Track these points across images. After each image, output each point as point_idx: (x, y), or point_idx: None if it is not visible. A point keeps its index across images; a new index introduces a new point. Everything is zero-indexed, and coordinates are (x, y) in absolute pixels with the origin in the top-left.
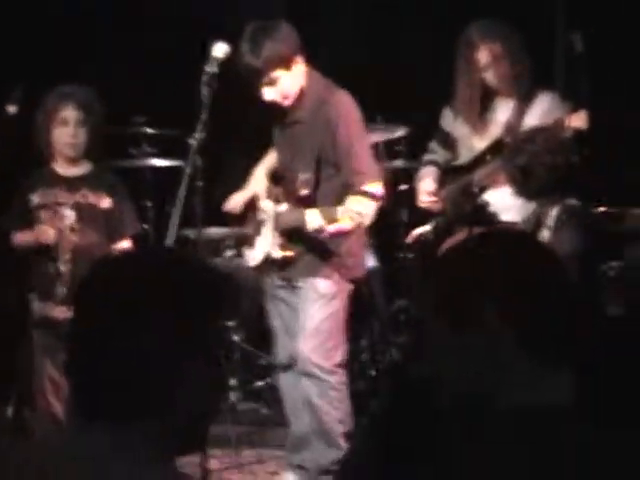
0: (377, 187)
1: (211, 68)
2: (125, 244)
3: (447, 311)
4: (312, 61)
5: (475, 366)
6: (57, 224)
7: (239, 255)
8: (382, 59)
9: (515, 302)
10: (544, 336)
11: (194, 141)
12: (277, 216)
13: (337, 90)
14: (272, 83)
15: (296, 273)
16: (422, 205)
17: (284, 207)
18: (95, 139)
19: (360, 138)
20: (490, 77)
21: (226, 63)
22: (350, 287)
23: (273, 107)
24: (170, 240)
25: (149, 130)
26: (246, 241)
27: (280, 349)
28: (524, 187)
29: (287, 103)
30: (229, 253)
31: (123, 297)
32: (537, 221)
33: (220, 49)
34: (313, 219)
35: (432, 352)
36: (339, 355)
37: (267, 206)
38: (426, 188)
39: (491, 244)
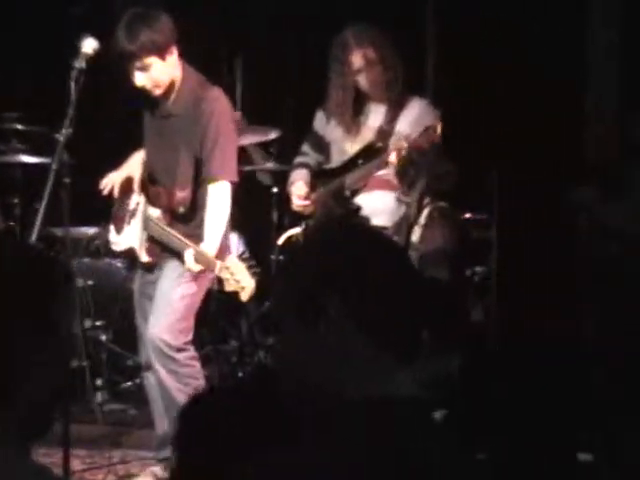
0: (225, 188)
1: (79, 64)
2: None
3: (296, 306)
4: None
5: (325, 361)
6: None
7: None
8: (254, 60)
9: (361, 296)
10: (389, 330)
11: (61, 137)
12: (148, 221)
13: (211, 86)
14: (144, 69)
15: (162, 259)
16: (295, 209)
17: (157, 213)
18: None
19: (228, 135)
20: (362, 81)
21: (95, 58)
22: (212, 278)
23: (145, 97)
24: (33, 237)
25: (19, 126)
26: (113, 221)
27: (144, 348)
28: (407, 194)
29: (157, 92)
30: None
31: None
32: (409, 223)
33: (89, 45)
34: (189, 260)
35: (286, 347)
36: (188, 335)
37: (140, 202)
38: (298, 192)
39: (337, 238)
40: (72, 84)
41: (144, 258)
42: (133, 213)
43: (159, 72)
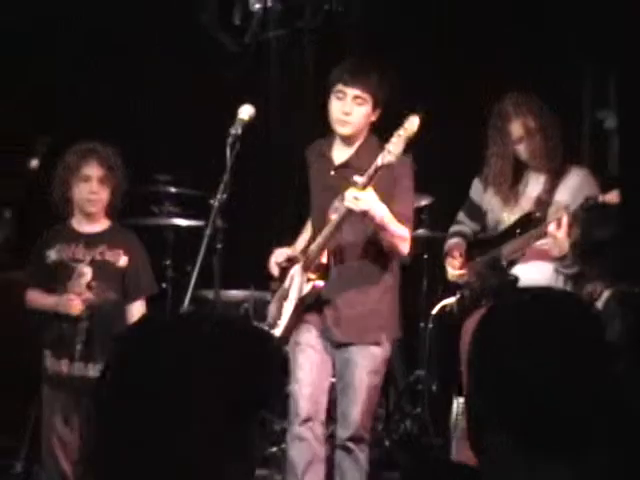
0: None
1: (235, 130)
2: (140, 304)
3: None
4: None
5: None
6: (74, 282)
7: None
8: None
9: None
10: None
11: (216, 202)
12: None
13: None
14: (358, 102)
15: (344, 335)
16: (450, 278)
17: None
18: (116, 197)
19: (409, 189)
20: (522, 150)
21: (250, 126)
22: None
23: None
24: (187, 300)
25: (172, 189)
26: (274, 302)
27: (298, 399)
28: (568, 266)
29: (344, 131)
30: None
31: (163, 368)
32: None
33: (246, 111)
34: (349, 196)
35: None
36: None
37: (295, 274)
38: (453, 261)
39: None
40: (227, 150)
41: (306, 288)
42: (287, 292)
43: (364, 114)
